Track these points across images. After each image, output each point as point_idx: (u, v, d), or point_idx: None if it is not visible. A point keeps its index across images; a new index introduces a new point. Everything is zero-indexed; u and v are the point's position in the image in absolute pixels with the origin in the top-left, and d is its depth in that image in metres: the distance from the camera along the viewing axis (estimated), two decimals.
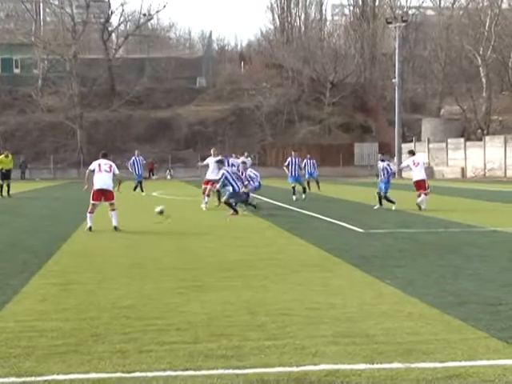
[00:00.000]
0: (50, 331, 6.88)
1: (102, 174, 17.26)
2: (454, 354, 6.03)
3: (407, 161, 24.56)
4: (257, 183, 24.35)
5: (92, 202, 17.14)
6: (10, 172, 33.53)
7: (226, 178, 21.61)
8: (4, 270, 10.79)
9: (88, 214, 17.04)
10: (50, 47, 77.38)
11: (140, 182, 34.77)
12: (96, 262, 11.61)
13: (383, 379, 5.40)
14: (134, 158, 35.03)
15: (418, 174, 23.39)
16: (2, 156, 33.85)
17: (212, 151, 25.07)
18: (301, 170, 29.70)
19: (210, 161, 24.72)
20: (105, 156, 18.23)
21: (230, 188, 21.52)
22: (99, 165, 17.38)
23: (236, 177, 21.91)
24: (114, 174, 17.57)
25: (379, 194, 23.26)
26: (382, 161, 24.00)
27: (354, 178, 61.41)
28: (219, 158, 24.55)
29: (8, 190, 32.76)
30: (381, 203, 23.08)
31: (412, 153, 24.78)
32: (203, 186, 24.55)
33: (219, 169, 22.40)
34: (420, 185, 23.22)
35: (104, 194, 17.20)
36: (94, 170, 17.39)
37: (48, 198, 34.06)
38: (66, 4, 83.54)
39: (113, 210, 16.99)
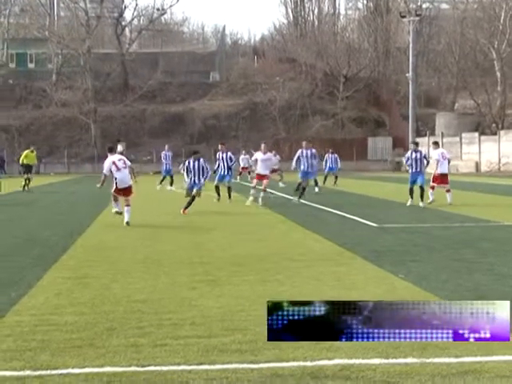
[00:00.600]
0: (65, 325, 6.90)
1: (121, 171, 17.09)
2: (469, 350, 6.00)
3: (435, 152, 23.55)
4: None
5: (114, 194, 17.40)
6: (32, 167, 34.84)
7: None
8: (19, 263, 10.84)
9: (113, 202, 17.44)
10: (64, 42, 77.56)
11: (166, 177, 34.96)
12: (111, 256, 11.65)
13: (398, 374, 5.39)
14: (164, 152, 35.53)
15: (445, 167, 23.01)
16: (28, 151, 35.11)
17: (262, 146, 24.97)
18: (314, 162, 26.99)
19: (259, 156, 24.76)
20: (111, 150, 17.96)
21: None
22: (114, 163, 17.16)
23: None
24: (129, 167, 17.53)
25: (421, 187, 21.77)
26: (415, 151, 22.63)
27: (368, 173, 61.25)
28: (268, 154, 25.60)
29: (28, 184, 33.27)
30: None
31: (437, 144, 24.42)
32: (255, 181, 24.79)
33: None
34: (444, 179, 22.78)
35: (124, 191, 17.21)
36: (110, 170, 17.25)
37: (63, 192, 34.21)
38: None
39: (127, 205, 17.00)
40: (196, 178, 20.43)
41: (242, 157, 40.03)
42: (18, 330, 6.72)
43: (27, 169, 33.88)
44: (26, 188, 32.90)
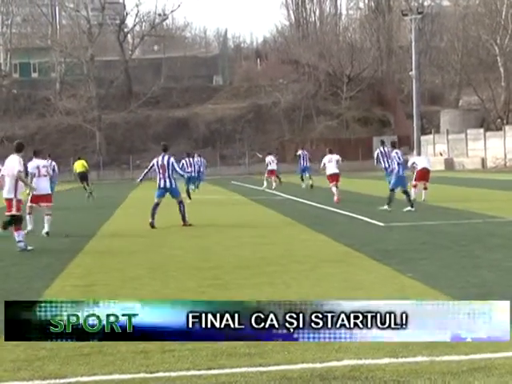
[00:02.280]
0: None
1: (41, 179, 16.13)
2: (478, 347, 5.96)
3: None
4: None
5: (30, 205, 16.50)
6: (85, 174, 36.76)
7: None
8: (27, 273, 10.85)
9: (28, 217, 16.46)
10: (67, 50, 77.82)
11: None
12: (118, 263, 11.65)
13: (408, 373, 5.37)
14: (197, 158, 35.51)
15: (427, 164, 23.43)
16: (79, 161, 37.29)
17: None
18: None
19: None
20: (36, 153, 16.82)
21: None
22: (38, 168, 16.21)
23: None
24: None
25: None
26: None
27: (373, 172, 61.14)
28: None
29: (89, 192, 33.81)
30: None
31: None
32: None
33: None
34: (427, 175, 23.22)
35: (41, 198, 16.31)
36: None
37: (69, 199, 34.22)
38: (82, 7, 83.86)
39: (48, 214, 16.32)
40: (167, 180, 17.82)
41: (270, 159, 38.85)
42: None
43: (81, 177, 35.95)
44: (89, 196, 33.22)
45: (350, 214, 19.11)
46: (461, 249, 11.78)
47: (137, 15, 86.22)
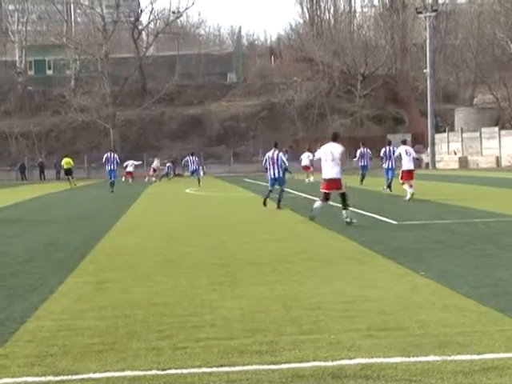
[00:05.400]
0: (87, 329, 6.93)
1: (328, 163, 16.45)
2: (491, 346, 5.96)
3: (399, 149, 24.15)
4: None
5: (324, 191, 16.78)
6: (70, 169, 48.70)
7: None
8: (40, 269, 10.90)
9: (320, 202, 16.72)
10: (82, 47, 78.04)
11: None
12: (130, 260, 11.68)
13: (419, 372, 5.35)
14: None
15: (411, 164, 23.34)
16: (66, 159, 48.92)
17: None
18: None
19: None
20: (335, 138, 16.80)
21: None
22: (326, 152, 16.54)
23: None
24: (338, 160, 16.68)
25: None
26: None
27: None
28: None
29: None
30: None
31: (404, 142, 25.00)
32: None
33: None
34: (411, 175, 23.23)
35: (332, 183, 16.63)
36: (320, 159, 16.78)
37: (83, 197, 34.37)
38: (96, 4, 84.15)
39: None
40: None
41: (306, 155, 39.14)
42: (40, 336, 6.75)
43: (66, 172, 47.70)
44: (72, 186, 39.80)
45: (362, 212, 19.06)
46: (474, 247, 11.74)
47: (151, 12, 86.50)
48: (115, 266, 11.12)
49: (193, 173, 42.51)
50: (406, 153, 23.38)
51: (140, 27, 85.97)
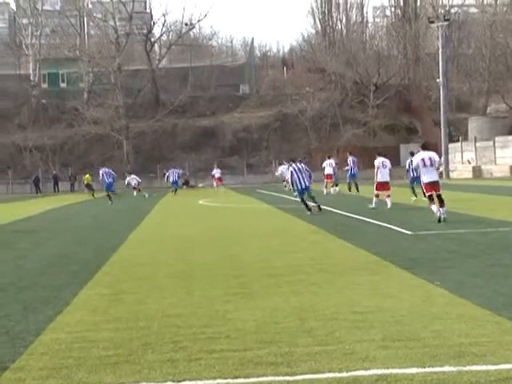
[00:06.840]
0: (102, 341, 6.93)
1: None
2: (507, 356, 5.92)
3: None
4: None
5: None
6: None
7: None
8: (55, 281, 10.93)
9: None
10: (95, 60, 78.49)
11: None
12: (145, 272, 11.70)
13: (435, 383, 5.33)
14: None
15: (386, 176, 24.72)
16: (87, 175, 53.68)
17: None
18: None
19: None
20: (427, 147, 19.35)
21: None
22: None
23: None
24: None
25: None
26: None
27: (401, 180, 60.83)
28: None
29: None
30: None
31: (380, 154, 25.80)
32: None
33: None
34: (387, 186, 24.48)
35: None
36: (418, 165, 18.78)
37: (96, 208, 34.47)
38: (109, 17, 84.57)
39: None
40: None
41: (328, 163, 37.80)
42: (55, 348, 6.76)
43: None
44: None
45: (377, 223, 19.02)
46: (489, 257, 11.68)
47: (164, 25, 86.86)
48: (130, 277, 11.14)
49: (173, 184, 48.39)
50: (383, 165, 24.62)
51: (153, 39, 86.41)
